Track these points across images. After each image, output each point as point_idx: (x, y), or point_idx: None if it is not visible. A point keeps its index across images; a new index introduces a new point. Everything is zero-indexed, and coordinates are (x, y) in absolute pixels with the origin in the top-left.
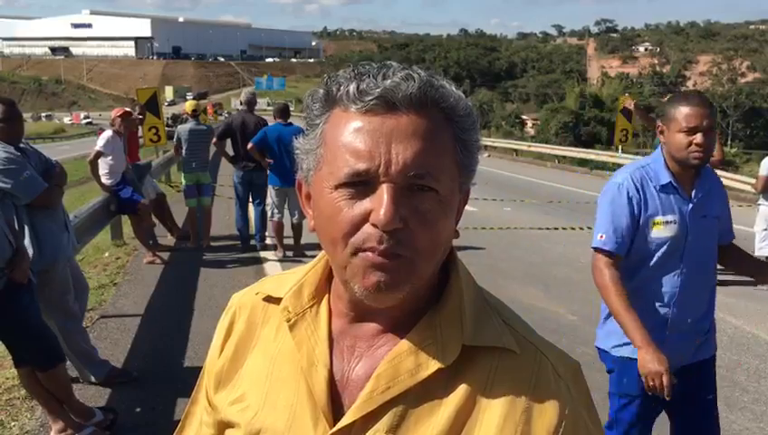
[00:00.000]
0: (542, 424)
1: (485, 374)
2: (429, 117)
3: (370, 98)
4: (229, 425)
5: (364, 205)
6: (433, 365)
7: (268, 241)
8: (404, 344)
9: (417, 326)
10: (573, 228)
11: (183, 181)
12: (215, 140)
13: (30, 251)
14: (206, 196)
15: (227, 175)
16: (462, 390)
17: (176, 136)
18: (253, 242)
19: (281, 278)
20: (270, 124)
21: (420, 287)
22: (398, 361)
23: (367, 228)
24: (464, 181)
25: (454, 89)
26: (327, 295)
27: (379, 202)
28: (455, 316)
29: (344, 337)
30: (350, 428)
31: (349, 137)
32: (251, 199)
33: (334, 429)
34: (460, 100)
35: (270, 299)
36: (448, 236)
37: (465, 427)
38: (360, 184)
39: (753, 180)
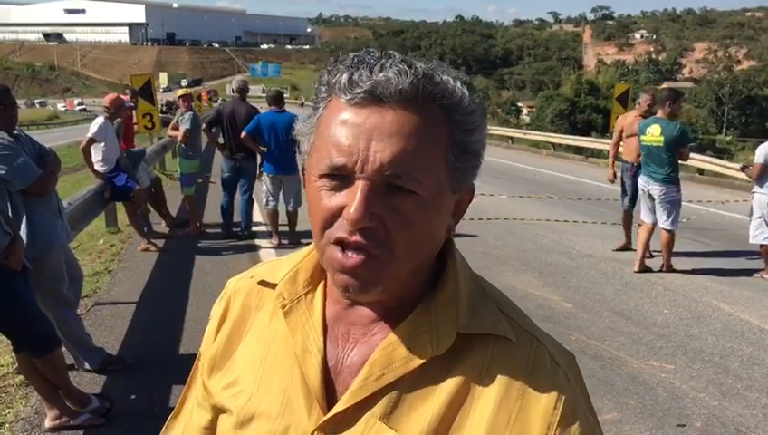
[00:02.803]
0: (538, 409)
1: (480, 362)
2: (420, 114)
3: (359, 90)
4: (222, 410)
5: (340, 198)
6: (427, 353)
7: (263, 228)
8: (399, 332)
9: (412, 314)
10: (568, 221)
11: (182, 169)
12: (204, 126)
13: (24, 238)
14: (197, 182)
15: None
16: (457, 377)
17: (189, 123)
18: (236, 229)
19: (276, 264)
20: (263, 111)
21: (396, 286)
22: (393, 348)
23: (341, 223)
24: (456, 183)
25: (459, 85)
26: (323, 282)
27: (352, 199)
28: (450, 304)
29: (339, 323)
30: (344, 414)
31: (335, 128)
32: (238, 187)
33: (328, 415)
34: (464, 97)
35: (265, 284)
36: (432, 236)
37: (460, 413)
38: (339, 177)
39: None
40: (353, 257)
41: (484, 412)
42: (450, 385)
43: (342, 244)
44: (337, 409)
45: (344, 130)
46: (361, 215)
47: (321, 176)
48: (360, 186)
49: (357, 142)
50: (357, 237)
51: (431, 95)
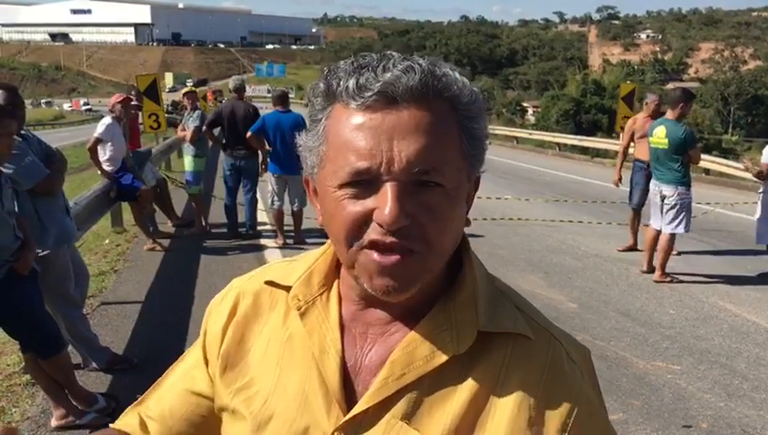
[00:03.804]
0: (557, 410)
1: (500, 360)
2: (432, 109)
3: (370, 93)
4: (234, 413)
5: (368, 203)
6: (449, 351)
7: (268, 228)
8: (419, 330)
9: (431, 312)
10: (573, 221)
11: (189, 168)
12: (204, 128)
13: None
14: (201, 181)
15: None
16: (477, 376)
17: (197, 120)
18: (241, 229)
19: (286, 266)
20: (268, 112)
21: (431, 279)
22: (413, 347)
23: (373, 227)
24: (471, 171)
25: (458, 75)
26: (336, 281)
27: (384, 201)
28: (469, 302)
29: (356, 323)
30: (364, 415)
31: (350, 135)
32: (241, 186)
33: (348, 416)
34: (464, 87)
35: (276, 285)
36: (458, 228)
37: (480, 413)
38: (364, 183)
39: (756, 167)
40: (391, 257)
41: (504, 412)
42: (470, 384)
43: (377, 246)
44: (358, 409)
45: (361, 134)
46: (397, 216)
47: (341, 185)
48: (389, 187)
49: (378, 144)
50: (392, 238)
51: (437, 89)
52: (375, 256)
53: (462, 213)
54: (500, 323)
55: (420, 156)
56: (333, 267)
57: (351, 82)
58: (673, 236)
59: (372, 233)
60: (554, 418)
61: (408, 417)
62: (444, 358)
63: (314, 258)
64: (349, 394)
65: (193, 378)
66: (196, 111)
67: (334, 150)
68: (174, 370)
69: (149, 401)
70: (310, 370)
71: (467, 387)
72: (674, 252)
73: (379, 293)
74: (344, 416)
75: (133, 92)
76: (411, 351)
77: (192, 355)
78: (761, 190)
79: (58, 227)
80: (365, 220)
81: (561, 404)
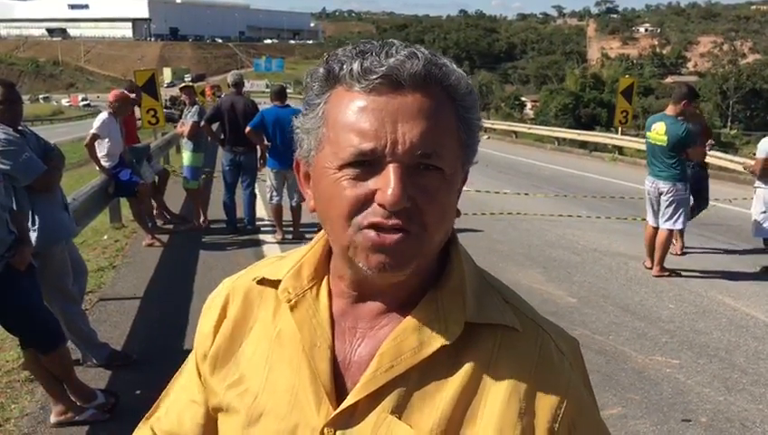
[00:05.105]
0: (547, 401)
1: (489, 352)
2: (433, 95)
3: (375, 76)
4: (228, 409)
5: (369, 185)
6: (436, 343)
7: (267, 223)
8: (407, 323)
9: (419, 305)
10: (572, 215)
11: (187, 162)
12: (203, 123)
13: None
14: (200, 176)
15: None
16: (466, 368)
17: (196, 115)
18: (241, 225)
19: (275, 262)
20: (267, 107)
21: (424, 265)
22: (401, 339)
23: (373, 208)
24: (465, 160)
25: (455, 67)
26: (326, 276)
27: (386, 182)
28: (457, 294)
29: (345, 318)
30: (354, 408)
31: (353, 116)
32: (240, 181)
33: (338, 409)
34: (461, 78)
35: (266, 282)
36: (451, 213)
37: (470, 405)
38: (366, 164)
39: (751, 162)
40: (391, 236)
41: (494, 403)
42: (459, 376)
43: (378, 228)
44: (347, 402)
45: (365, 115)
46: (399, 196)
47: (342, 166)
48: (392, 168)
49: (383, 126)
50: (395, 220)
51: (438, 77)
52: (373, 234)
53: (455, 201)
54: (487, 314)
55: (423, 139)
56: (323, 260)
57: (356, 65)
58: (671, 231)
59: (372, 215)
60: (545, 408)
61: (398, 410)
62: (431, 349)
63: (303, 252)
64: (339, 389)
65: (191, 387)
66: (195, 106)
67: (335, 132)
68: (177, 378)
69: (160, 413)
70: (300, 366)
71: (456, 379)
72: (672, 249)
73: (374, 270)
74: (334, 411)
75: (134, 89)
76: (399, 343)
77: (190, 361)
78: (756, 185)
79: (53, 225)
80: (365, 201)
81: (551, 394)
